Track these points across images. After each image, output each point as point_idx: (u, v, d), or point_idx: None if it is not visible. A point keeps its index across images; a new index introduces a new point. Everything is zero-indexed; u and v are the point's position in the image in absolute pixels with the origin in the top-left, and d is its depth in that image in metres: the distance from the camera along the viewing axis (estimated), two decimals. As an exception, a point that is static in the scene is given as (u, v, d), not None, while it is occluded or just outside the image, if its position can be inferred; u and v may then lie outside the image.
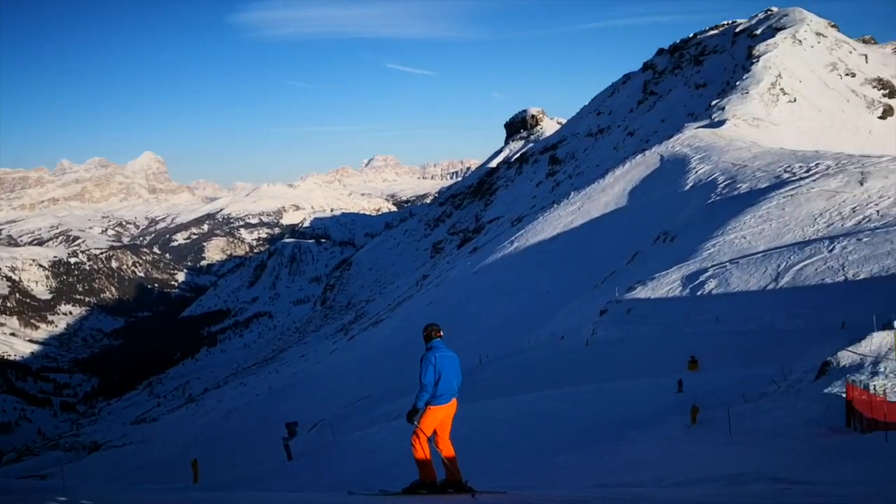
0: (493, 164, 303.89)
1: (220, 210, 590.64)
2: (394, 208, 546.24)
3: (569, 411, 35.48)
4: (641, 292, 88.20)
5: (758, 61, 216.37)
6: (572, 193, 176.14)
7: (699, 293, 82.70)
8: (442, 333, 11.21)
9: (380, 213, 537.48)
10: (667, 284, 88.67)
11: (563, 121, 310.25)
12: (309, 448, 39.35)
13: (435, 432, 10.85)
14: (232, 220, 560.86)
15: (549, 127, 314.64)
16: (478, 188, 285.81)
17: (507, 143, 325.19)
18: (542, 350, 73.14)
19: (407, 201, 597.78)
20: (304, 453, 37.60)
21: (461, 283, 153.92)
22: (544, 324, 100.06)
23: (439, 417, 10.81)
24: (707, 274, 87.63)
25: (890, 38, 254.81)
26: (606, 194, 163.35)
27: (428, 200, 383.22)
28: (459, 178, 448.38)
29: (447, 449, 10.85)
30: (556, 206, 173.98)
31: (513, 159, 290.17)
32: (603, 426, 30.82)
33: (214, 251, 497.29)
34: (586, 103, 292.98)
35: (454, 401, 10.94)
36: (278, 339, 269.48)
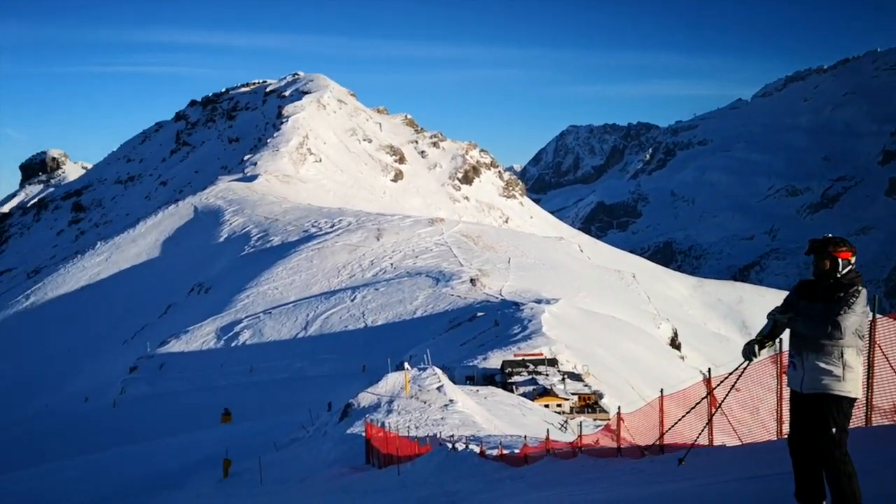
0: (6, 208, 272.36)
1: None
2: None
3: (85, 480, 32.83)
4: (175, 346, 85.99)
5: (287, 121, 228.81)
6: (99, 243, 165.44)
7: (234, 344, 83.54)
8: None
9: None
10: (201, 337, 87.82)
11: (90, 165, 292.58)
12: None
13: None
14: None
15: (72, 171, 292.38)
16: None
17: (22, 186, 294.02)
18: (63, 414, 66.85)
19: None
20: None
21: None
22: (66, 384, 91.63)
23: None
24: (241, 325, 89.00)
25: (400, 110, 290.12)
26: (138, 245, 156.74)
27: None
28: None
29: None
30: (80, 256, 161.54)
31: (29, 204, 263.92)
32: (126, 492, 29.07)
33: None
34: (115, 149, 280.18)
35: None
36: None
